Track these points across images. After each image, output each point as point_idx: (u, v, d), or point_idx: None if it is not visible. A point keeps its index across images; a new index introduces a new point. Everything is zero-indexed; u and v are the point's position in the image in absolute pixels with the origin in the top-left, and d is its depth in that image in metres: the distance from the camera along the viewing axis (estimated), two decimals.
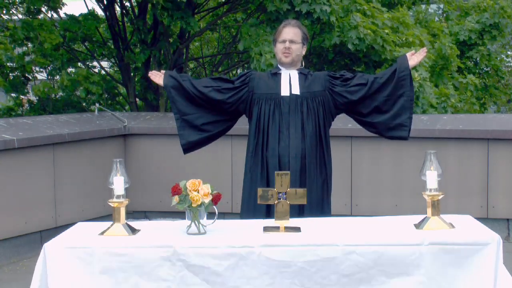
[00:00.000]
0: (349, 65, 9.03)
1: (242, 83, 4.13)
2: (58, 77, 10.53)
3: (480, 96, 12.67)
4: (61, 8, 10.19)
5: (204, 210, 3.26)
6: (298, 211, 3.86)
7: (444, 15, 13.70)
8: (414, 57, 4.09)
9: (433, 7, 13.61)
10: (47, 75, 11.41)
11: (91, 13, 10.36)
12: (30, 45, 10.06)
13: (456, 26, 12.44)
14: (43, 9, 10.25)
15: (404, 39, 8.94)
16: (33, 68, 10.57)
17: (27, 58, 10.13)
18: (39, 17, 10.06)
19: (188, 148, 4.21)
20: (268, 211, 3.89)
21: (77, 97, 10.90)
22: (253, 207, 3.95)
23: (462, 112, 10.46)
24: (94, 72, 11.81)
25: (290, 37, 4.10)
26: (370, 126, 4.17)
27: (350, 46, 8.25)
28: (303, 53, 4.18)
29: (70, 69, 11.08)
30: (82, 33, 10.22)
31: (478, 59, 12.52)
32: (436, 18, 12.96)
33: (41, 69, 11.18)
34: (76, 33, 10.18)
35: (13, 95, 10.82)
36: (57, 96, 10.95)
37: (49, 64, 10.61)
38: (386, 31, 8.44)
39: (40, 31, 9.36)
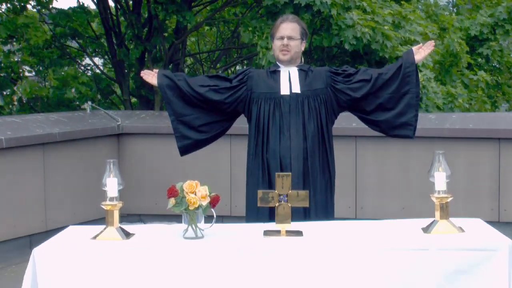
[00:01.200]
0: (350, 63, 9.03)
1: (240, 82, 4.12)
2: (46, 76, 10.57)
3: (492, 94, 12.66)
4: (51, 3, 10.21)
5: (201, 213, 3.27)
6: (303, 214, 3.86)
7: (455, 9, 13.69)
8: (421, 51, 4.07)
9: (442, 0, 13.60)
10: (35, 73, 11.43)
11: (81, 6, 10.38)
12: (15, 43, 10.09)
13: (467, 20, 12.43)
14: (29, 6, 10.26)
15: (406, 37, 8.90)
16: (23, 67, 10.60)
17: (16, 58, 10.15)
18: (26, 13, 10.08)
19: (186, 150, 4.22)
20: (271, 215, 3.88)
21: (68, 96, 10.92)
22: (256, 211, 3.95)
23: (473, 110, 10.46)
24: (86, 69, 11.82)
25: (288, 33, 4.09)
26: (373, 125, 4.17)
27: (347, 46, 8.22)
28: (302, 49, 4.17)
29: (62, 68, 11.10)
30: (72, 28, 10.23)
31: (489, 55, 12.49)
32: (446, 13, 12.94)
33: (31, 68, 11.20)
34: (66, 27, 10.19)
35: None
36: (49, 94, 10.97)
37: (37, 63, 10.63)
38: (386, 27, 8.41)
39: (25, 29, 9.38)
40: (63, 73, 10.49)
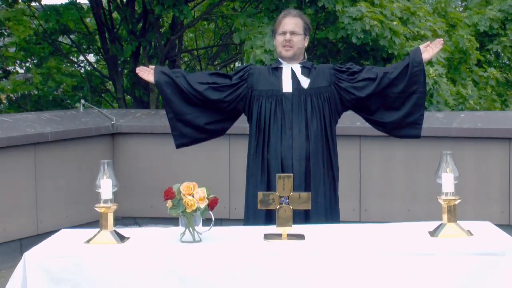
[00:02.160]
0: (356, 58, 9.03)
1: (240, 79, 4.11)
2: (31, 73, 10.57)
3: (502, 92, 12.66)
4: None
5: (199, 216, 3.27)
6: (304, 217, 3.86)
7: (463, 4, 13.70)
8: (429, 49, 4.06)
9: None
10: (25, 71, 11.44)
11: (73, 3, 10.38)
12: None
13: (476, 16, 12.42)
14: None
15: (415, 31, 8.92)
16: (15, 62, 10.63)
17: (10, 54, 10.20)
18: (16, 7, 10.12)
19: (182, 146, 4.25)
20: (268, 216, 3.88)
21: (60, 94, 10.92)
22: (255, 212, 3.95)
23: (482, 109, 10.46)
24: (80, 66, 11.83)
25: (291, 28, 4.08)
26: (379, 125, 4.17)
27: (354, 39, 8.21)
28: (305, 45, 4.17)
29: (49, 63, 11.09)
30: (61, 24, 10.24)
31: (500, 51, 12.48)
32: (453, 6, 12.96)
33: (20, 64, 11.22)
34: (56, 24, 10.20)
35: None
36: (39, 91, 10.97)
37: (28, 57, 10.62)
38: (395, 23, 8.42)
39: (8, 22, 9.40)
40: (45, 66, 10.47)
